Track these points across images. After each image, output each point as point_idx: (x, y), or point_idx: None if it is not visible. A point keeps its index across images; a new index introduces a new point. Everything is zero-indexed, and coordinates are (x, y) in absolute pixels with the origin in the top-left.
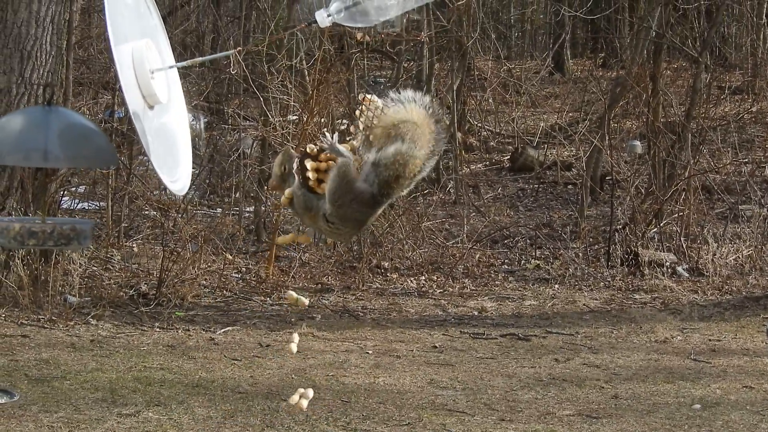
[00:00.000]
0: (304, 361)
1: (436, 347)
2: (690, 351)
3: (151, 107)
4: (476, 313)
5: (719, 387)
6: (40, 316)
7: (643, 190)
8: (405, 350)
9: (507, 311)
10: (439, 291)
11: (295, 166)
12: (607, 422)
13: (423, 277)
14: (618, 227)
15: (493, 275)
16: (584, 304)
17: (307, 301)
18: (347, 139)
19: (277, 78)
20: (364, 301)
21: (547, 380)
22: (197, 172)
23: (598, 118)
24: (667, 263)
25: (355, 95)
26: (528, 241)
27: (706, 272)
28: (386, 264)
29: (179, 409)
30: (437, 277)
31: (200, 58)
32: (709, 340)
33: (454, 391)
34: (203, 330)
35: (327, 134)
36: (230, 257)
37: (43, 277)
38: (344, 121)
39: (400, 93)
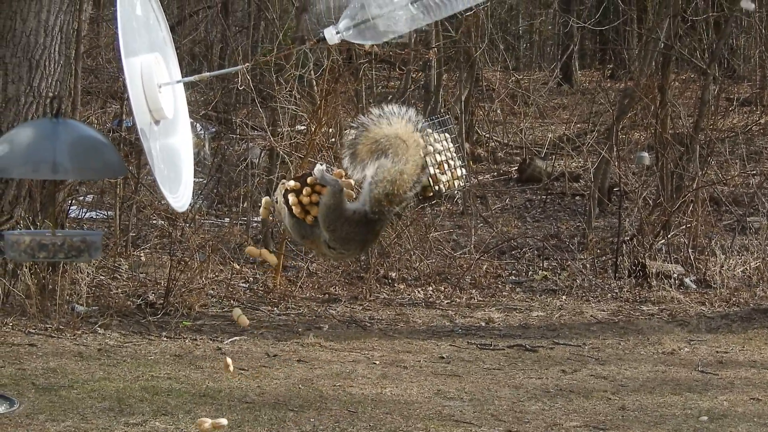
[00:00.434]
0: (311, 371)
1: (443, 358)
2: (697, 363)
3: (157, 122)
4: (483, 323)
5: (726, 399)
6: (48, 325)
7: (650, 202)
8: (412, 361)
9: (514, 322)
10: (446, 301)
11: (281, 199)
12: None
13: (430, 288)
14: (626, 238)
15: (500, 286)
16: (591, 316)
17: (247, 322)
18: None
19: (286, 88)
20: (371, 312)
21: (554, 391)
22: (205, 181)
23: (606, 130)
24: (675, 275)
25: (364, 105)
26: (535, 252)
27: (714, 284)
28: (394, 274)
29: (186, 418)
30: (444, 288)
31: (208, 74)
32: (717, 351)
33: (461, 401)
34: (210, 339)
35: (318, 165)
36: (238, 267)
37: (50, 286)
38: (352, 131)
39: (383, 109)
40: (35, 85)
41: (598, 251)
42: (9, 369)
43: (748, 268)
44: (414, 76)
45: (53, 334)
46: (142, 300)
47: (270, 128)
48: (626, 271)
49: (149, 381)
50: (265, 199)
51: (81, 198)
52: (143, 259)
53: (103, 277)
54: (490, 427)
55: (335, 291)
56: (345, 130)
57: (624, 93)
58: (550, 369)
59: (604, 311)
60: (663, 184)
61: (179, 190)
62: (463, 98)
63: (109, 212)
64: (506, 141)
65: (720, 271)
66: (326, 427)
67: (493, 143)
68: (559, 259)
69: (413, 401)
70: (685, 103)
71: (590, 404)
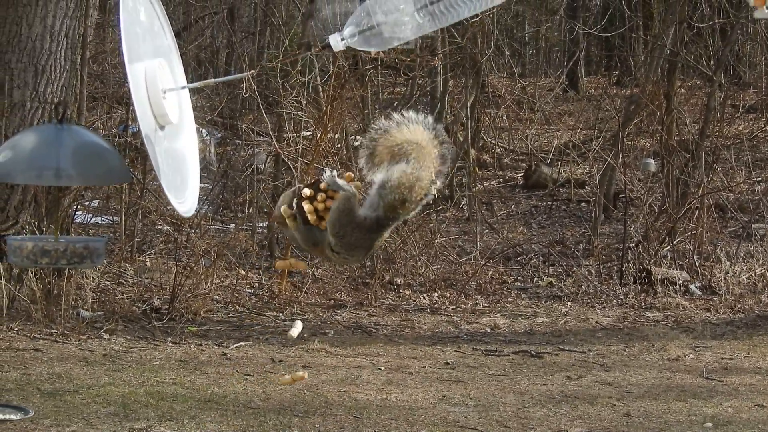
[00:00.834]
0: (317, 376)
1: (448, 364)
2: (702, 369)
3: (162, 127)
4: (489, 329)
5: (731, 405)
6: (53, 330)
7: (656, 208)
8: (417, 366)
9: (519, 328)
10: (451, 307)
11: (295, 207)
12: None
13: (436, 294)
14: (631, 245)
15: (505, 292)
16: (597, 322)
17: (294, 336)
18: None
19: (291, 94)
20: (376, 317)
21: (559, 397)
22: (211, 187)
23: (612, 136)
24: (680, 281)
25: (369, 111)
26: (541, 258)
27: (719, 290)
28: (399, 280)
29: (191, 424)
30: (450, 294)
31: (213, 80)
32: (722, 358)
33: (466, 407)
34: (216, 345)
35: (327, 170)
36: (243, 272)
37: (56, 292)
38: (358, 137)
39: (404, 114)
40: (41, 90)
41: (604, 257)
42: (14, 374)
43: (754, 274)
44: (420, 82)
45: (58, 339)
46: (147, 305)
47: (275, 134)
48: (631, 278)
49: (154, 386)
50: (283, 208)
51: (86, 203)
52: (149, 264)
53: (108, 283)
54: None
55: (340, 297)
56: (351, 135)
57: (630, 100)
58: (555, 375)
59: (609, 317)
60: (668, 191)
61: (185, 196)
62: (468, 104)
63: (114, 217)
64: (512, 147)
65: (725, 278)
66: None
67: (498, 149)
68: (565, 265)
69: (418, 407)
70: (690, 110)
71: (595, 410)
